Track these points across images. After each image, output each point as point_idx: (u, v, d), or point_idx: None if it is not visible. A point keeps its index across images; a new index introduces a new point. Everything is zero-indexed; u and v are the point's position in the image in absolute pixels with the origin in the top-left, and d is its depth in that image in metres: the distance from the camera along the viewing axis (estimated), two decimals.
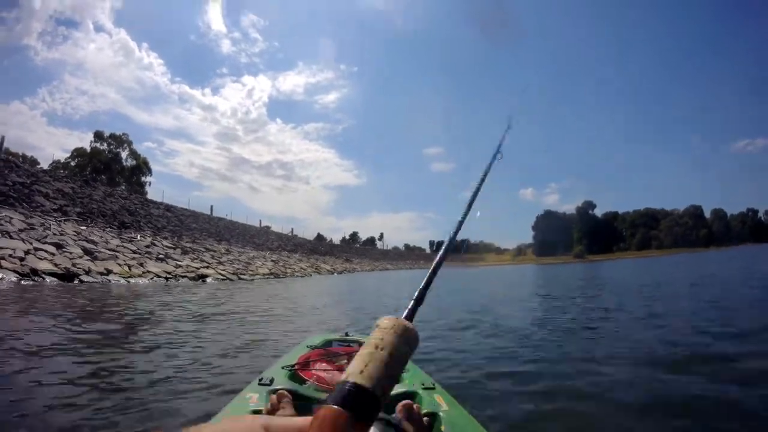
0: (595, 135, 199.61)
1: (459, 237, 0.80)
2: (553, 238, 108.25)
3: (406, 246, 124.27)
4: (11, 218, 14.45)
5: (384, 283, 19.86)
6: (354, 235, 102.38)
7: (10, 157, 22.08)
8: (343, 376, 0.40)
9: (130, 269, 14.89)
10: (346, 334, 2.64)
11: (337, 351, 2.18)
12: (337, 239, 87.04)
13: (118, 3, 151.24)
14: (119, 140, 39.77)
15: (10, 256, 11.61)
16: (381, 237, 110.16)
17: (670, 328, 5.10)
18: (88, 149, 38.35)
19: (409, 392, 1.60)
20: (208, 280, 17.23)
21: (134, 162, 40.83)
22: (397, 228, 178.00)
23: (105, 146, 39.07)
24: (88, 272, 12.83)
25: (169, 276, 15.86)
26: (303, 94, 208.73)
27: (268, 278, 22.20)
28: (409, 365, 1.78)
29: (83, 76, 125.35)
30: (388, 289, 15.53)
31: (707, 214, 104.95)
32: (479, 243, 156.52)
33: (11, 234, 13.12)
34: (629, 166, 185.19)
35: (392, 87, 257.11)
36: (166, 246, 21.62)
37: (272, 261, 30.22)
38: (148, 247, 19.53)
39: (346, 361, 1.87)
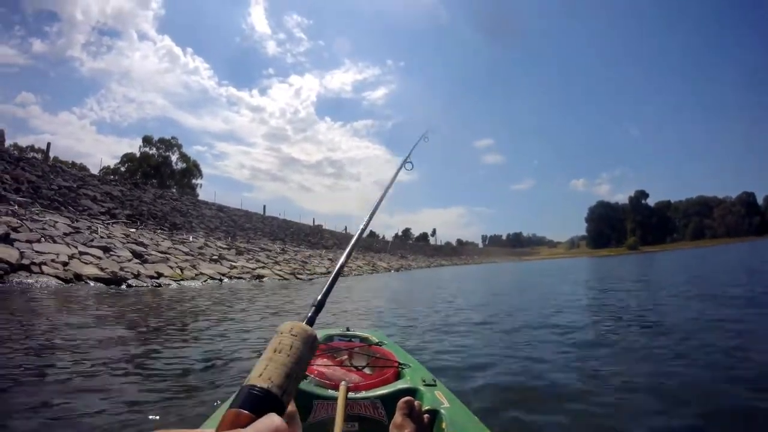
0: (644, 121, 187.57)
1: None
2: (606, 229, 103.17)
3: (459, 241, 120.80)
4: (56, 222, 13.32)
5: (451, 282, 17.46)
6: (406, 231, 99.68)
7: (58, 164, 21.55)
8: (246, 381, 0.44)
9: (182, 272, 13.41)
10: (347, 329, 2.46)
11: (338, 346, 2.04)
12: (389, 236, 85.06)
13: (160, 10, 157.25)
14: (168, 144, 39.66)
15: (53, 261, 10.31)
16: (434, 233, 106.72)
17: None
18: (138, 154, 38.33)
19: (410, 389, 1.48)
20: (265, 280, 15.68)
21: (184, 165, 40.58)
22: (446, 223, 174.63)
23: (154, 151, 38.95)
24: (137, 276, 11.33)
25: (223, 277, 14.30)
26: (351, 91, 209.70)
27: (326, 277, 20.46)
28: (411, 361, 1.86)
29: (129, 84, 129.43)
30: (464, 286, 13.17)
31: (759, 201, 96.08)
32: (532, 236, 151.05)
33: (55, 238, 11.89)
34: (680, 152, 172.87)
35: (440, 79, 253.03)
36: (220, 247, 20.28)
37: (329, 259, 28.57)
38: (201, 248, 18.19)
39: (346, 356, 1.87)
